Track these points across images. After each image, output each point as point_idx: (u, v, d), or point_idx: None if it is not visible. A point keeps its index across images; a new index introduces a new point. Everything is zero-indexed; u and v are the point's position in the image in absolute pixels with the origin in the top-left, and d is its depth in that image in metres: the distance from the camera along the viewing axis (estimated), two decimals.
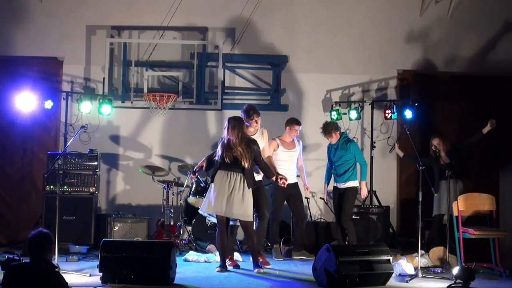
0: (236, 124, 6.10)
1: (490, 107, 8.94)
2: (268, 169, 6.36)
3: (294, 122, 7.22)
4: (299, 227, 7.22)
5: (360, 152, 7.39)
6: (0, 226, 8.47)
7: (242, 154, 6.01)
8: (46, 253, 3.93)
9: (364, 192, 7.23)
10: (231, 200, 6.00)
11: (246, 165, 6.03)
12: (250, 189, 6.12)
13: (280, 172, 6.79)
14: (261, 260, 6.40)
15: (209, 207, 6.09)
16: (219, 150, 6.13)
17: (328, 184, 7.53)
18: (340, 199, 7.20)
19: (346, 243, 7.13)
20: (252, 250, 6.24)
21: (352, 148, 7.17)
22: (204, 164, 6.40)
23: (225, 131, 6.14)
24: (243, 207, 6.04)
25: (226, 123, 6.18)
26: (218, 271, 6.06)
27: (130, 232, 7.69)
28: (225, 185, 6.02)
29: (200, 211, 6.42)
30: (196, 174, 6.67)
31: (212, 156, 6.31)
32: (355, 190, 7.20)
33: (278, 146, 7.13)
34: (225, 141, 6.10)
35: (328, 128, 7.29)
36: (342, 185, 7.19)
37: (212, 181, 6.15)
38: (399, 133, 8.78)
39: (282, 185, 6.29)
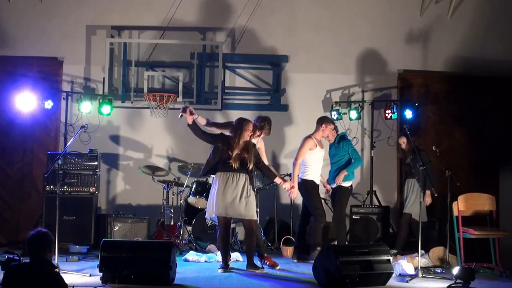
0: (246, 126, 6.15)
1: (490, 107, 8.96)
2: (270, 171, 6.41)
3: (330, 121, 7.06)
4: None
5: (354, 149, 7.14)
6: (0, 226, 8.47)
7: (249, 156, 6.06)
8: (46, 253, 3.93)
9: (337, 179, 6.97)
10: (242, 201, 6.02)
11: (251, 167, 6.08)
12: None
13: (315, 174, 6.81)
14: (267, 262, 6.39)
15: (221, 210, 6.02)
16: (222, 151, 6.08)
17: (331, 185, 7.40)
18: (333, 198, 7.17)
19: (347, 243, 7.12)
20: (250, 249, 6.23)
21: (345, 146, 7.04)
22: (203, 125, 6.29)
23: (243, 133, 6.11)
24: (252, 207, 6.11)
25: (244, 124, 6.14)
26: (221, 272, 6.06)
27: (130, 232, 7.69)
28: (232, 187, 6.02)
29: (208, 216, 6.29)
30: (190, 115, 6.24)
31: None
32: (346, 190, 7.09)
33: (315, 145, 6.94)
34: (235, 142, 6.06)
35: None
36: (333, 185, 7.11)
37: (218, 181, 6.07)
38: (399, 133, 8.78)
39: (291, 191, 6.35)
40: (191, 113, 6.19)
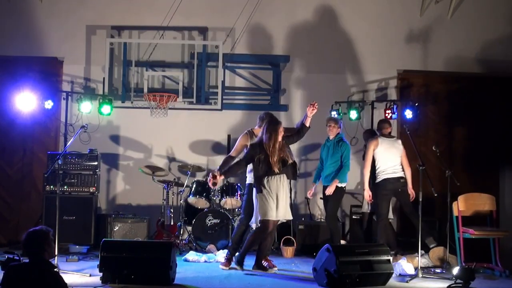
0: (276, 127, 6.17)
1: (490, 107, 8.96)
2: (299, 130, 6.44)
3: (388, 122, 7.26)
4: (415, 222, 7.00)
5: (349, 155, 7.07)
6: (0, 226, 8.47)
7: (285, 154, 6.15)
8: (43, 251, 3.92)
9: (329, 190, 6.93)
10: (287, 203, 6.16)
11: (290, 161, 6.19)
12: None
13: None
14: (268, 263, 6.37)
15: (273, 214, 6.01)
16: (264, 160, 6.03)
17: (316, 184, 7.36)
18: (326, 198, 7.14)
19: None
20: (265, 250, 6.26)
21: (343, 148, 7.02)
22: (230, 169, 6.23)
23: (277, 136, 6.09)
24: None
25: (275, 126, 6.13)
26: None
27: (130, 232, 7.69)
28: (280, 190, 6.06)
29: (256, 221, 6.12)
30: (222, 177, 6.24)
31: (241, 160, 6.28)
32: (340, 190, 7.01)
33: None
34: (273, 147, 6.05)
35: (331, 119, 7.35)
36: (327, 192, 7.00)
37: (263, 187, 6.02)
38: (399, 133, 8.79)
39: (314, 109, 6.37)
40: (217, 176, 6.12)
